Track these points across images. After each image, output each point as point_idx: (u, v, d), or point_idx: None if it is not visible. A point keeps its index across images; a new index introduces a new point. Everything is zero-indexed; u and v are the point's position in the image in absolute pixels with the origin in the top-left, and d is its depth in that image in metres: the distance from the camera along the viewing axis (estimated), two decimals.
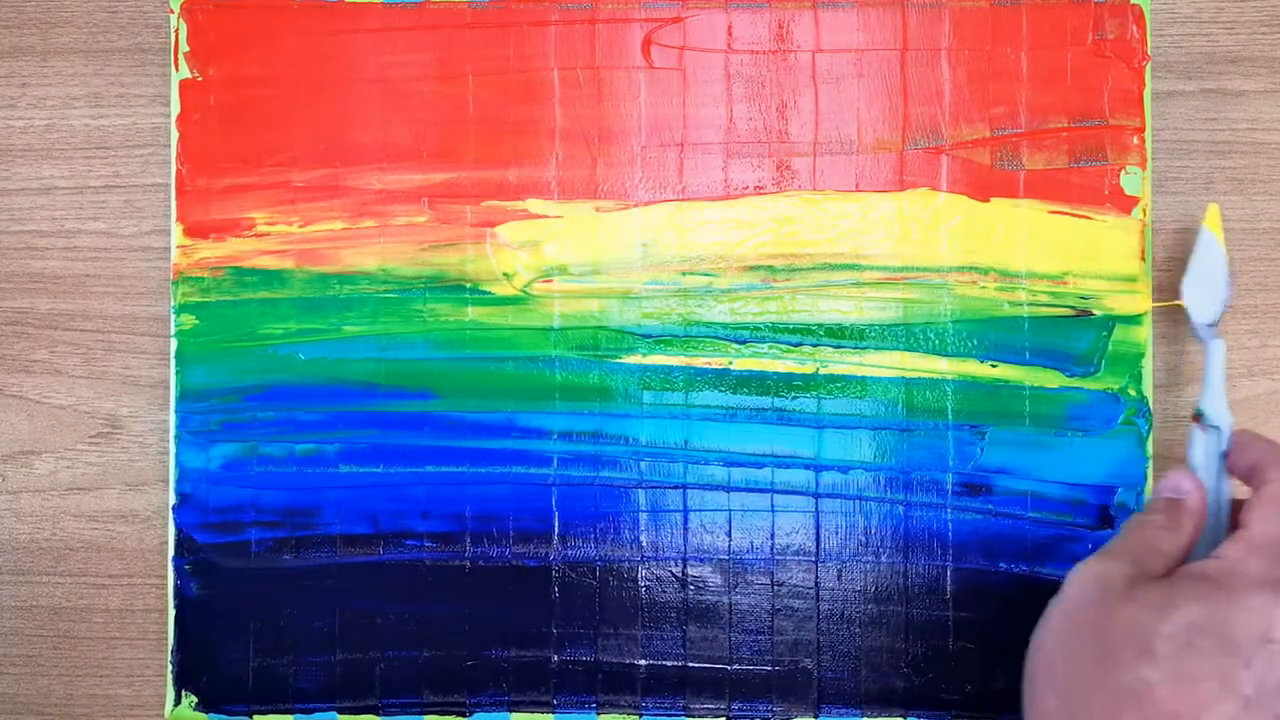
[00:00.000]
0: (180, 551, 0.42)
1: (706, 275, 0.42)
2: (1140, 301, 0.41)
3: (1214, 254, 0.39)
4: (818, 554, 0.42)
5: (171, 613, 0.42)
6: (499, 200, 0.42)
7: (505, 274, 0.42)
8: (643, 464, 0.42)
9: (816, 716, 0.41)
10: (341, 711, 0.42)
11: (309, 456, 0.42)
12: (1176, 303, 0.39)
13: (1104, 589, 0.32)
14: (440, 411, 0.42)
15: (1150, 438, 0.41)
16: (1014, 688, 0.41)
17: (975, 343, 0.42)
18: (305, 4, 0.43)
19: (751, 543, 0.42)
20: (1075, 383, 0.41)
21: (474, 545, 0.42)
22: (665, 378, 0.42)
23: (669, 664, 0.42)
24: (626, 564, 0.42)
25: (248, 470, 0.42)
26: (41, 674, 0.44)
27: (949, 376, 0.42)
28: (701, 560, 0.42)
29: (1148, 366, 0.41)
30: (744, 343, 0.42)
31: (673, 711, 0.41)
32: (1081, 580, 0.33)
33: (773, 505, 0.42)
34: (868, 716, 0.41)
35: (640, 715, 0.42)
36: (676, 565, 0.42)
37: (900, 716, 0.41)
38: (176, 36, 0.43)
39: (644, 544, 0.42)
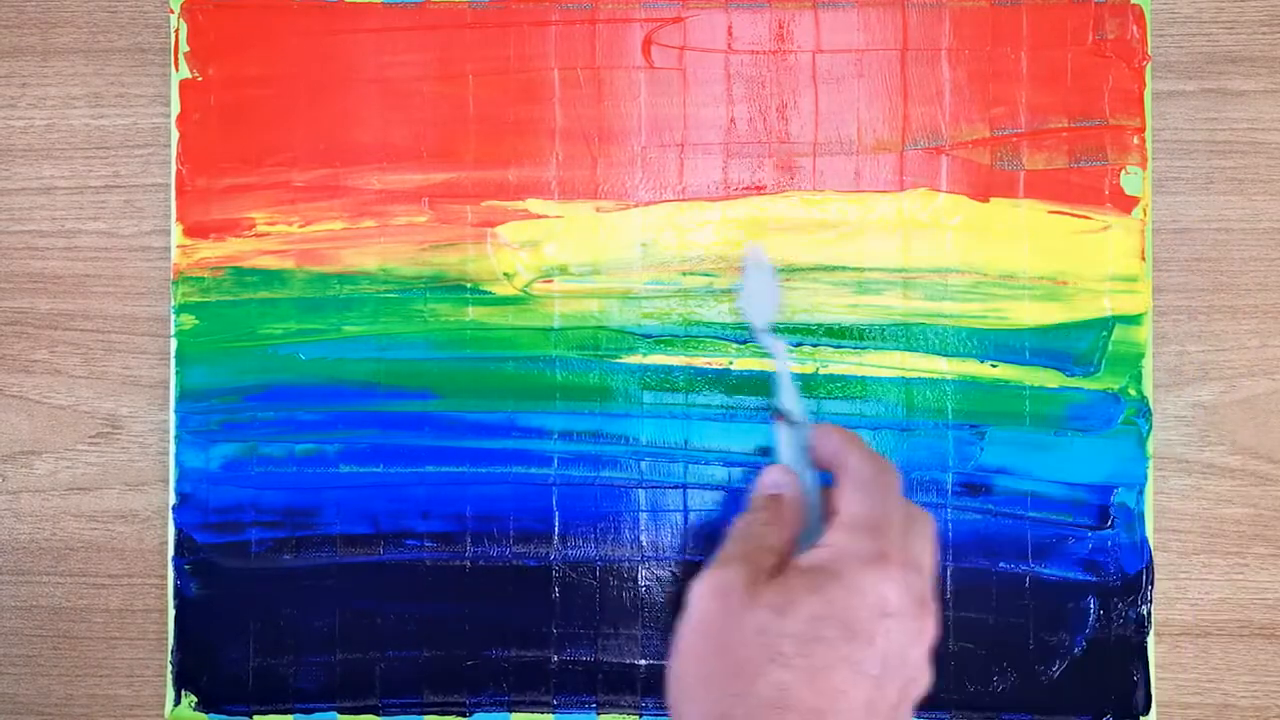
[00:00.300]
0: (180, 551, 0.42)
1: (706, 275, 0.42)
2: (1140, 301, 0.41)
3: (763, 265, 0.41)
4: None
5: (171, 613, 0.42)
6: (499, 200, 0.42)
7: (505, 274, 0.42)
8: (643, 464, 0.42)
9: None
10: (341, 711, 0.42)
11: (309, 456, 0.42)
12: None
13: (725, 599, 0.32)
14: (440, 411, 0.42)
15: (1150, 437, 0.41)
16: (1014, 688, 0.41)
17: (975, 343, 0.42)
18: (305, 4, 0.43)
19: None
20: (1075, 383, 0.41)
21: (474, 545, 0.42)
22: (665, 378, 0.42)
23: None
24: (626, 564, 0.42)
25: (248, 470, 0.42)
26: (41, 674, 0.44)
27: (949, 376, 0.42)
28: (701, 560, 0.42)
29: (1148, 366, 0.41)
30: (744, 343, 0.42)
31: None
32: (702, 595, 0.33)
33: None
34: None
35: (640, 715, 0.42)
36: (676, 565, 0.42)
37: None
38: (176, 36, 0.42)
39: (644, 544, 0.42)
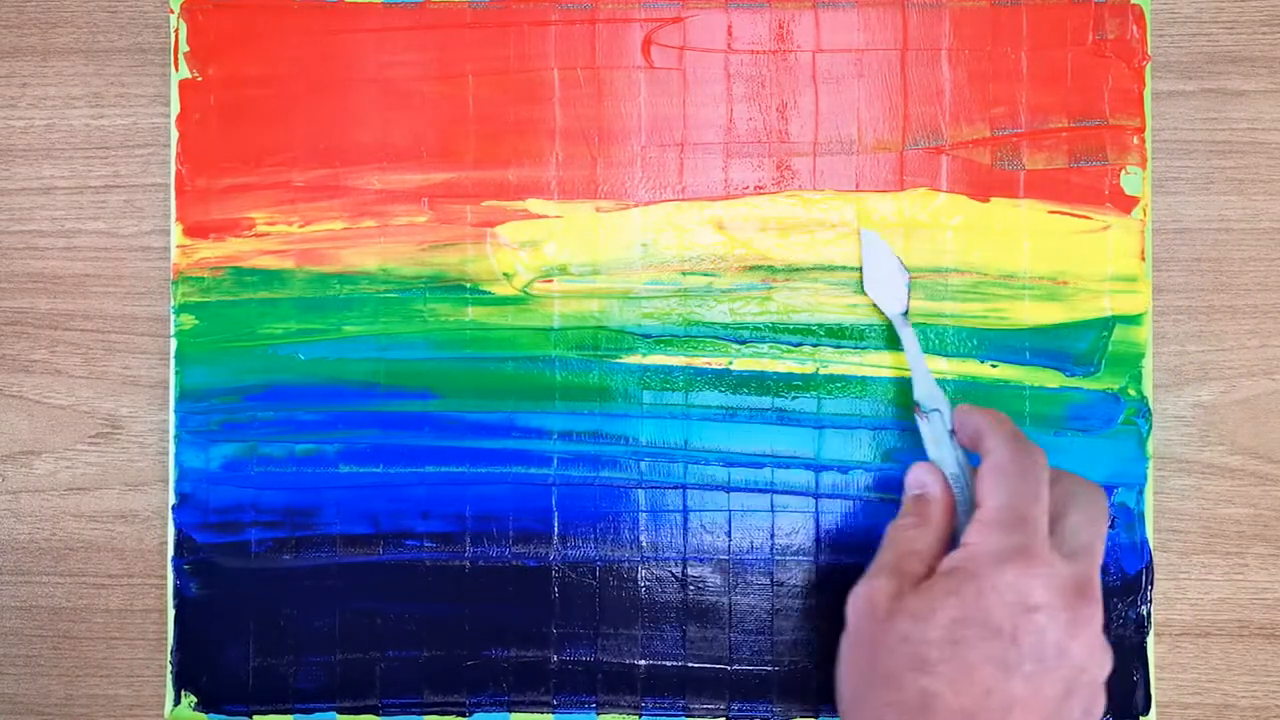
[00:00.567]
0: (180, 551, 0.42)
1: (706, 275, 0.42)
2: (1140, 301, 0.41)
3: (881, 248, 0.40)
4: (818, 554, 0.42)
5: (171, 613, 0.42)
6: (499, 200, 0.42)
7: (505, 274, 0.42)
8: (643, 464, 0.42)
9: (816, 717, 0.41)
10: (341, 711, 0.42)
11: (309, 456, 0.42)
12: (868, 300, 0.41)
13: (873, 611, 0.32)
14: (440, 411, 0.42)
15: (1150, 438, 0.41)
16: None
17: (975, 343, 0.42)
18: (305, 4, 0.43)
19: (751, 543, 0.42)
20: (1075, 383, 0.41)
21: (474, 545, 0.42)
22: (665, 378, 0.42)
23: (669, 664, 0.42)
24: (626, 564, 0.42)
25: (248, 470, 0.42)
26: (41, 674, 0.44)
27: (949, 376, 0.42)
28: (701, 560, 0.42)
29: (1148, 366, 0.41)
30: (744, 343, 0.42)
31: (673, 712, 0.41)
32: (854, 608, 0.33)
33: (772, 505, 0.42)
34: None
35: (640, 715, 0.42)
36: (676, 565, 0.42)
37: None
38: (176, 36, 0.42)
39: (644, 544, 0.42)
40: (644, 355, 0.42)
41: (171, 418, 0.42)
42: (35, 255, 0.44)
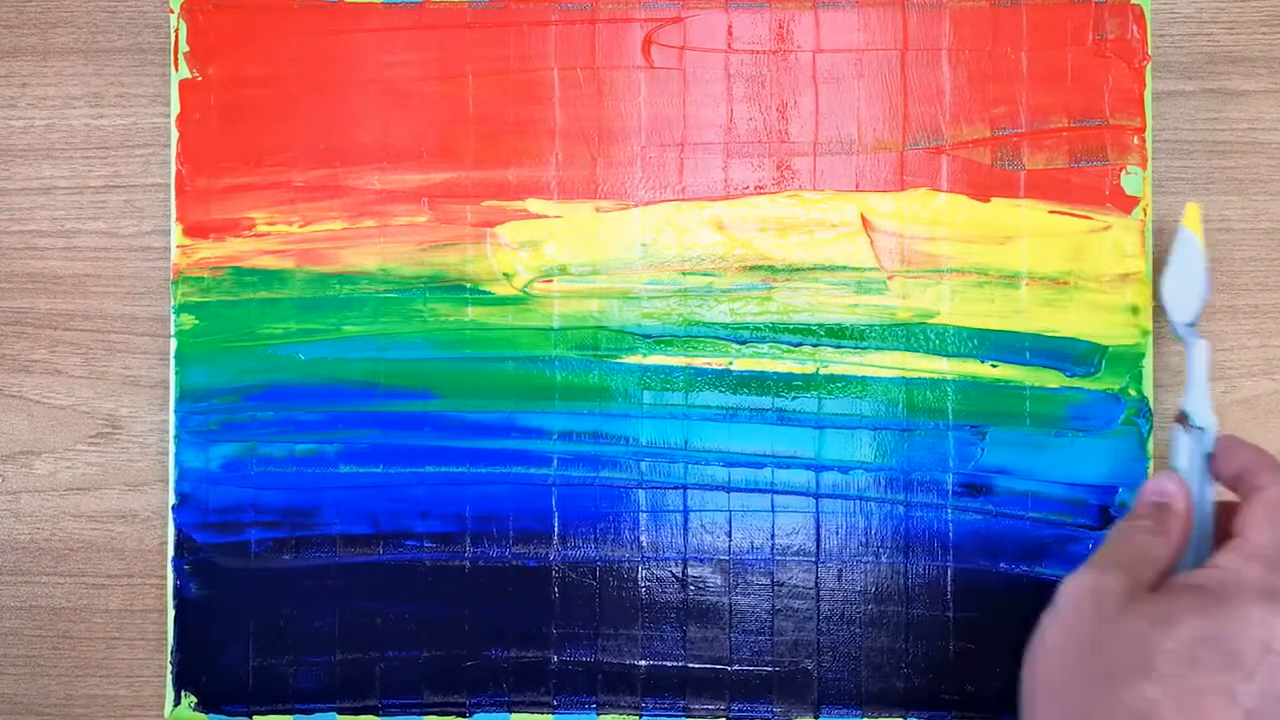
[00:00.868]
0: (180, 551, 0.42)
1: (706, 275, 0.42)
2: (1140, 301, 0.41)
3: (1194, 254, 0.38)
4: (818, 554, 0.42)
5: (171, 613, 0.42)
6: (499, 200, 0.42)
7: (505, 274, 0.42)
8: (643, 464, 0.42)
9: (816, 717, 0.41)
10: (341, 711, 0.42)
11: (309, 456, 0.42)
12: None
13: (1100, 603, 0.31)
14: (440, 411, 0.42)
15: (1151, 438, 0.41)
16: (1014, 688, 0.41)
17: (975, 343, 0.42)
18: (305, 4, 0.43)
19: (751, 543, 0.42)
20: (1075, 383, 0.41)
21: (474, 545, 0.42)
22: (665, 378, 0.42)
23: (669, 664, 0.42)
24: (626, 564, 0.42)
25: (248, 470, 0.42)
26: (41, 674, 0.44)
27: (949, 376, 0.42)
28: (701, 560, 0.42)
29: (1148, 366, 0.41)
30: (744, 343, 0.42)
31: (673, 712, 0.41)
32: (1076, 594, 0.32)
33: (773, 505, 0.42)
34: (868, 717, 0.41)
35: (640, 716, 0.42)
36: (676, 565, 0.42)
37: (900, 717, 0.41)
38: (176, 36, 0.43)
39: (644, 544, 0.42)
40: (644, 355, 0.42)
41: (171, 418, 0.42)
42: (35, 255, 0.44)
